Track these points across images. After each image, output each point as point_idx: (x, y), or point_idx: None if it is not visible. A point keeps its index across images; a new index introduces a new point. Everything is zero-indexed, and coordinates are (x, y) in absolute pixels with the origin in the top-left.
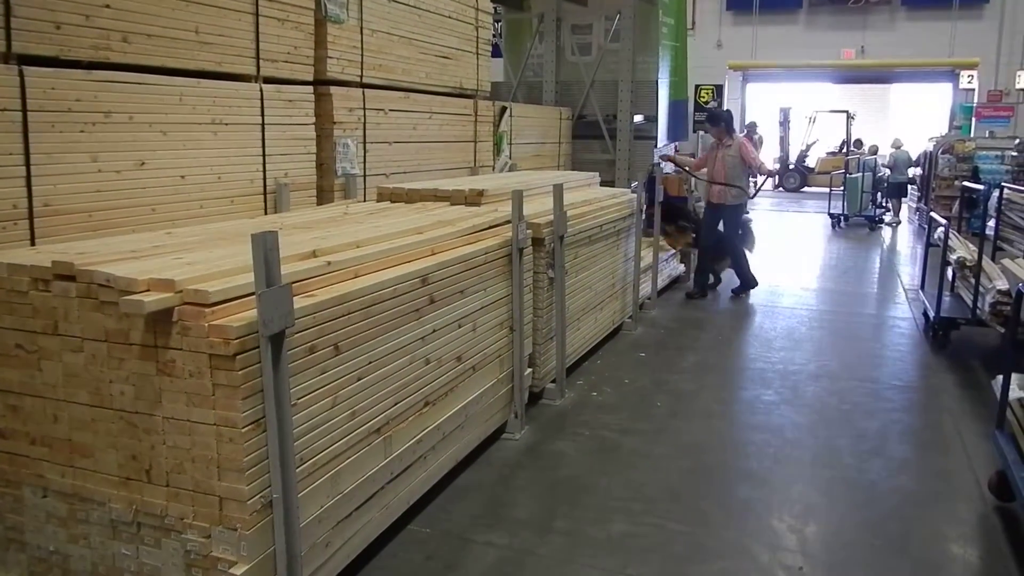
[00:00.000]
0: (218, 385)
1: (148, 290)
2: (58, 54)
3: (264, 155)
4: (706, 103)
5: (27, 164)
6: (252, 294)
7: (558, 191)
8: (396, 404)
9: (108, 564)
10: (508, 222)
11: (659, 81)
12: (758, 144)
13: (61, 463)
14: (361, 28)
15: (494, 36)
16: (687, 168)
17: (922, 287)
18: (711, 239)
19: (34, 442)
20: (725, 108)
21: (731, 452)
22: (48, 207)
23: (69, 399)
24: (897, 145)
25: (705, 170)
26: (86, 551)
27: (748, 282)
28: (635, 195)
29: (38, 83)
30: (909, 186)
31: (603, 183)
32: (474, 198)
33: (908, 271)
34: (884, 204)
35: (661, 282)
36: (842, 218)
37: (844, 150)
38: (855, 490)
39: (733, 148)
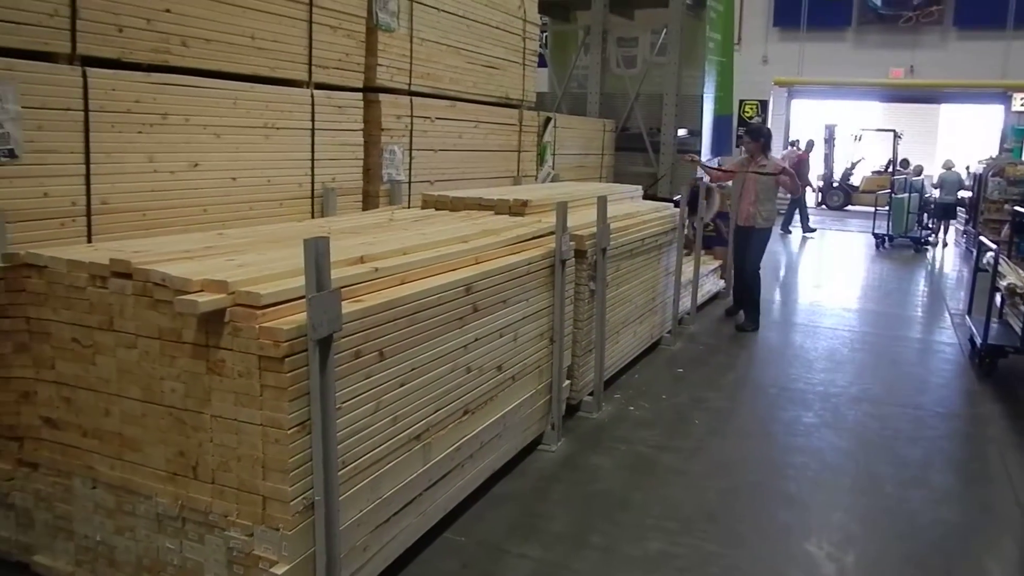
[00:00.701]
0: (266, 386)
1: (201, 290)
2: (120, 56)
3: (313, 159)
4: (750, 118)
5: (87, 163)
6: (302, 297)
7: (602, 204)
8: (436, 411)
9: (152, 557)
10: (552, 233)
11: (704, 96)
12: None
13: (111, 456)
14: (411, 37)
15: (540, 47)
16: (711, 173)
17: (969, 312)
18: (742, 259)
19: (86, 434)
20: (768, 124)
21: (769, 474)
22: (105, 205)
23: (121, 393)
24: (948, 166)
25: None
26: (131, 543)
27: (756, 319)
28: (677, 209)
29: (100, 84)
30: (957, 208)
31: (645, 196)
32: (518, 208)
33: (954, 295)
34: (930, 225)
35: (701, 297)
36: (886, 238)
37: (890, 169)
38: (896, 520)
39: (768, 168)
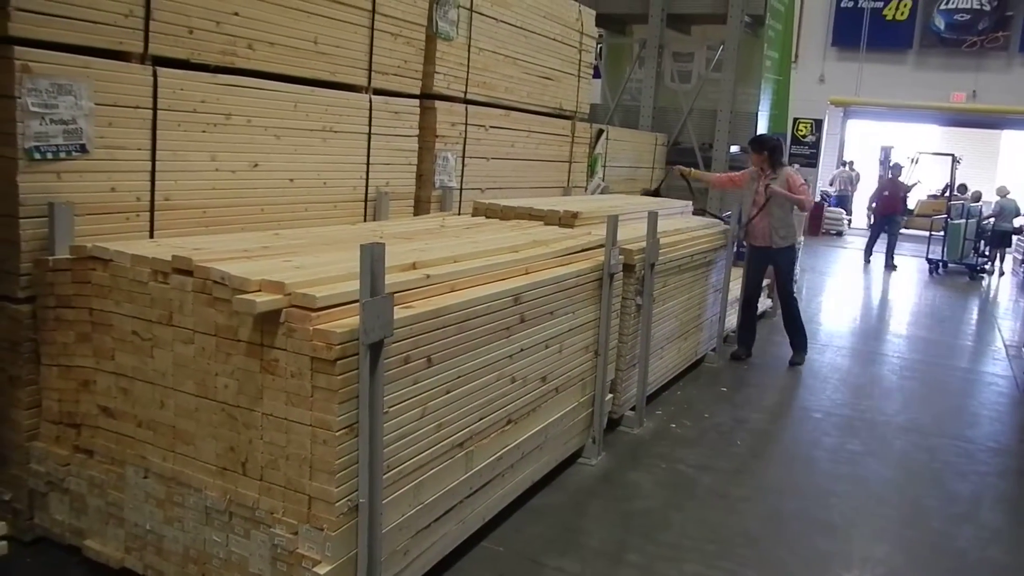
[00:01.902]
0: (317, 387)
1: (259, 290)
2: (189, 57)
3: (368, 163)
4: (804, 137)
5: (152, 159)
6: (356, 301)
7: (652, 218)
8: (480, 420)
9: (199, 548)
10: (601, 246)
11: (759, 113)
12: (853, 181)
13: (164, 447)
14: (469, 46)
15: (595, 59)
16: (704, 181)
17: None
18: (755, 288)
19: (140, 425)
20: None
21: (812, 501)
22: (168, 201)
23: (176, 387)
24: (1003, 193)
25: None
26: (179, 534)
27: (804, 346)
28: (727, 226)
29: (169, 84)
30: (1014, 236)
31: (695, 212)
32: (568, 219)
33: (1009, 325)
34: (986, 253)
35: None
36: (941, 264)
37: (947, 194)
38: (942, 557)
39: (779, 182)
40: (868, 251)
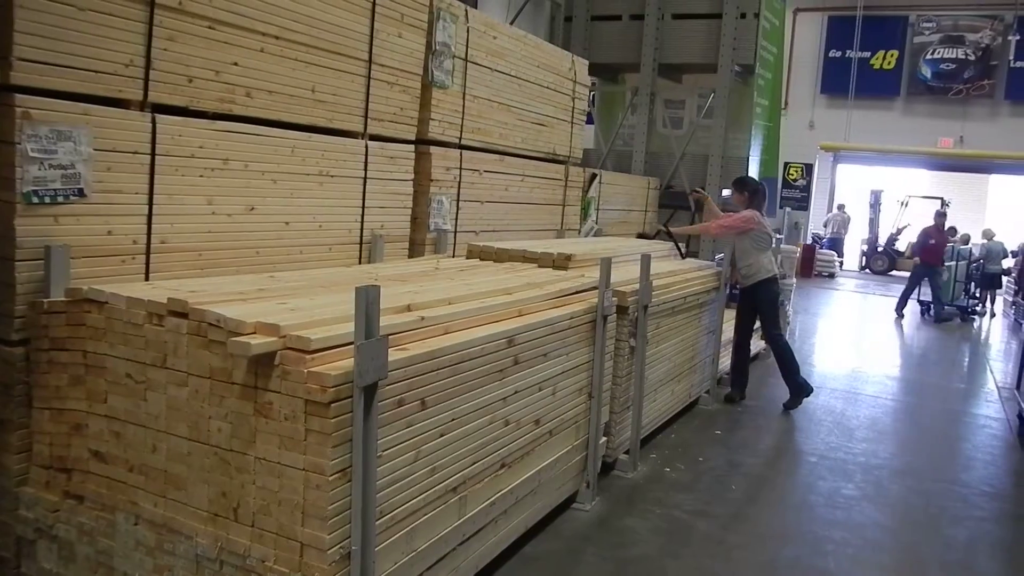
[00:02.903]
0: (310, 431)
1: (255, 332)
2: (188, 104)
3: (363, 207)
4: (794, 180)
5: (150, 203)
6: (350, 344)
7: (646, 261)
8: (474, 464)
9: None
10: (594, 288)
11: (749, 158)
12: (846, 224)
13: (155, 493)
14: (464, 94)
15: (588, 105)
16: (688, 235)
17: (1018, 386)
18: (744, 329)
19: (132, 469)
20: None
21: (808, 548)
22: (164, 244)
23: (169, 431)
24: (989, 236)
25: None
26: None
27: (800, 388)
28: (720, 268)
29: (168, 130)
30: (1004, 278)
31: (688, 254)
32: (562, 262)
33: (1001, 367)
34: (976, 295)
35: None
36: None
37: None
38: None
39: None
40: (903, 303)
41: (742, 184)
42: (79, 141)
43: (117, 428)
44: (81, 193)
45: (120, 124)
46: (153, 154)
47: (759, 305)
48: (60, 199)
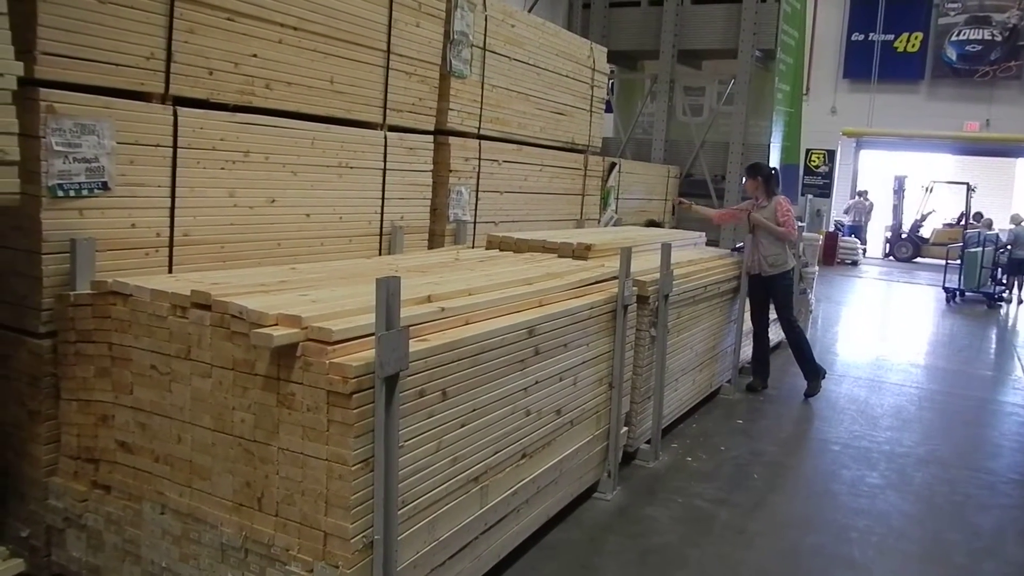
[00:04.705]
0: (333, 421)
1: (276, 324)
2: (209, 97)
3: (383, 198)
4: (817, 167)
5: (172, 196)
6: (371, 335)
7: (666, 250)
8: (495, 454)
9: None
10: (614, 278)
11: (771, 145)
12: (868, 210)
13: (180, 483)
14: (482, 84)
15: (607, 94)
16: (705, 217)
17: None
18: (759, 317)
19: (158, 460)
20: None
21: (832, 536)
22: (186, 236)
23: (194, 422)
24: (1017, 221)
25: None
26: (195, 571)
27: (816, 372)
28: (741, 256)
29: (189, 123)
30: None
31: (708, 243)
32: (582, 252)
33: None
34: (1003, 281)
35: None
36: (957, 292)
37: (963, 222)
38: None
39: (768, 211)
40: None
41: (756, 169)
42: (102, 134)
43: (143, 419)
44: (105, 186)
45: (142, 117)
46: (175, 147)
47: (775, 293)
48: (85, 192)
